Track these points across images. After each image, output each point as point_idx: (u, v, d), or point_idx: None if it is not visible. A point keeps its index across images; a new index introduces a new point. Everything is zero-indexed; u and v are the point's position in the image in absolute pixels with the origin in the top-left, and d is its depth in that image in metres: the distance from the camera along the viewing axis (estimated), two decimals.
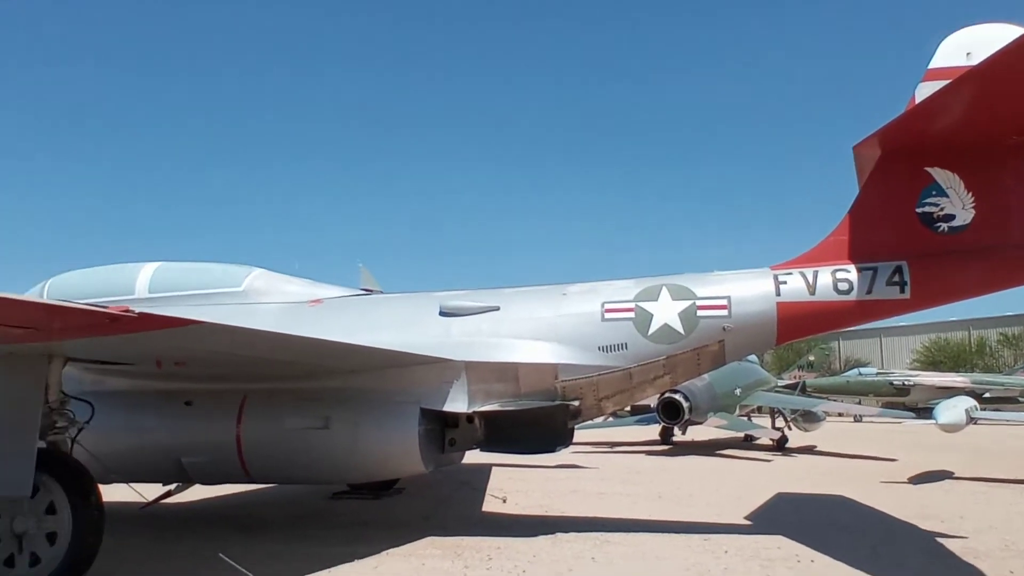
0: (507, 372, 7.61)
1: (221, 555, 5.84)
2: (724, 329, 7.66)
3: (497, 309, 7.94)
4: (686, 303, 7.74)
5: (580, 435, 16.69)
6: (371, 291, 9.52)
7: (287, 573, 6.37)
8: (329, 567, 6.61)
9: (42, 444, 5.90)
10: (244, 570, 5.69)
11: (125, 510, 9.06)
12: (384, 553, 7.16)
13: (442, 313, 7.97)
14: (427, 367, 7.45)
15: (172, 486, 8.64)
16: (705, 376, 14.77)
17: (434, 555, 7.07)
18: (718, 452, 17.79)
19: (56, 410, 6.06)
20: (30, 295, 7.49)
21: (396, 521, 9.00)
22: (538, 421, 7.65)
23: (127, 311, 4.22)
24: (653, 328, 7.70)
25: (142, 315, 4.28)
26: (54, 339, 4.98)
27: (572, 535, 7.88)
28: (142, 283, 8.75)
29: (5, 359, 5.80)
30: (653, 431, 19.97)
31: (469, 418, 7.78)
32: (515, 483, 11.95)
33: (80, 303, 4.27)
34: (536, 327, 7.82)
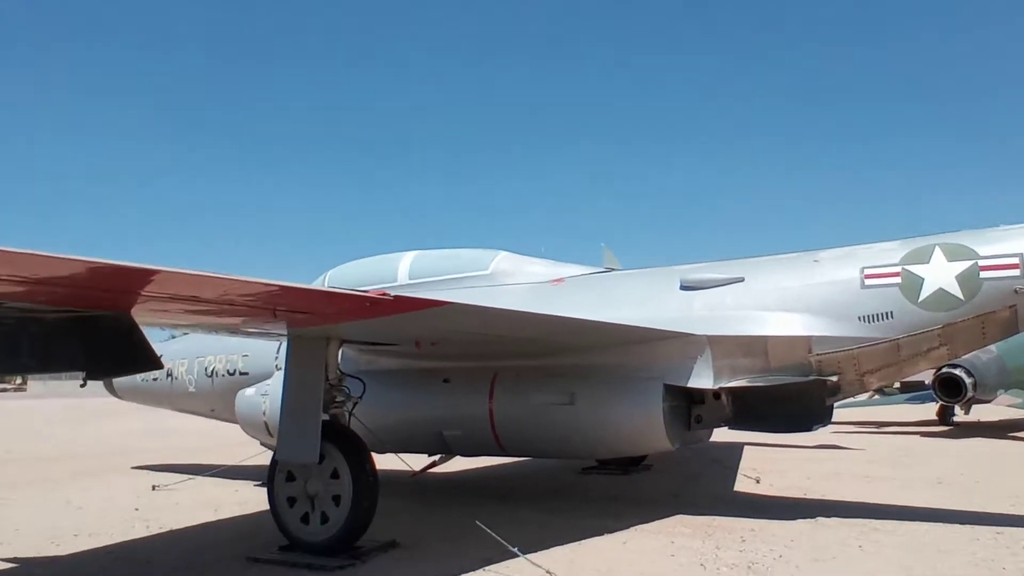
0: (754, 346, 7.23)
1: (478, 523, 6.21)
2: (1016, 292, 6.64)
3: (741, 280, 7.57)
4: (966, 264, 6.81)
5: (841, 414, 15.54)
6: (613, 270, 9.52)
7: (539, 542, 6.61)
8: (580, 539, 6.76)
9: (325, 417, 6.65)
10: (499, 537, 6.00)
11: (399, 478, 10.00)
12: (633, 529, 7.18)
13: (683, 287, 7.77)
14: (669, 342, 7.31)
15: (437, 457, 9.36)
16: (992, 348, 12.99)
17: (684, 533, 6.95)
18: (1012, 435, 15.58)
19: (335, 386, 6.82)
20: (311, 285, 8.46)
21: (645, 497, 8.99)
22: (791, 398, 7.19)
23: (384, 295, 4.61)
24: (925, 294, 6.88)
25: (397, 298, 4.65)
26: (328, 323, 5.59)
27: (834, 520, 7.33)
28: (403, 271, 9.53)
29: (295, 342, 6.63)
30: (929, 410, 18.00)
31: (716, 394, 7.53)
32: (770, 463, 11.39)
33: (349, 290, 4.73)
34: (785, 297, 7.34)
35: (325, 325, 5.76)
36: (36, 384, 68.98)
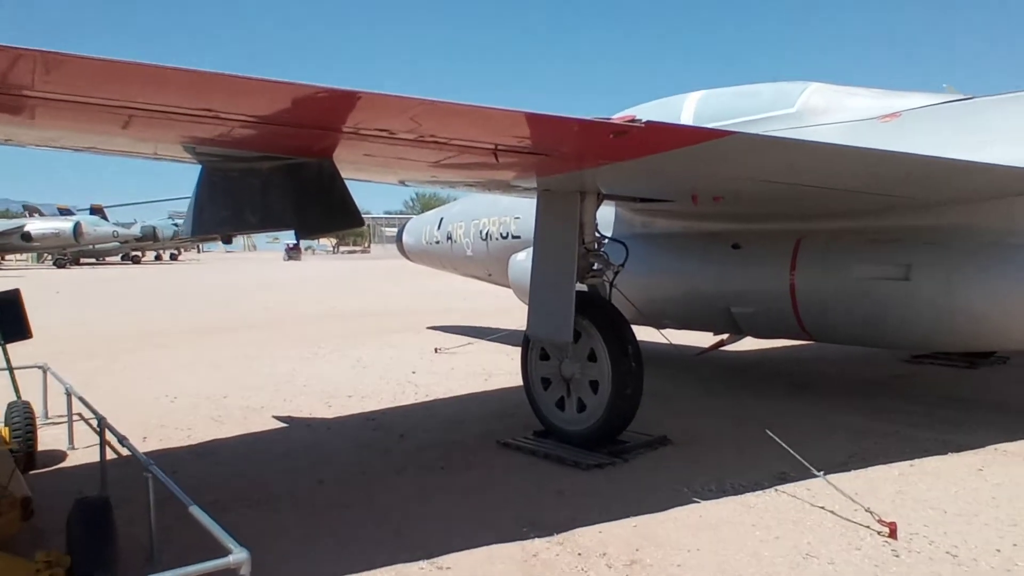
0: None
1: (768, 432, 4.83)
2: None
3: None
4: None
5: None
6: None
7: (852, 458, 5.09)
8: (909, 458, 5.08)
9: (582, 287, 5.61)
10: (797, 455, 4.58)
11: (682, 355, 8.84)
12: (992, 448, 5.30)
13: None
14: None
15: (725, 336, 7.99)
16: None
17: None
18: None
19: (592, 252, 5.67)
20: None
21: (1006, 404, 6.81)
22: None
23: (632, 121, 3.26)
24: None
25: (651, 126, 3.27)
26: (572, 167, 4.35)
27: None
28: (687, 114, 7.89)
29: (543, 198, 5.59)
30: None
31: None
32: None
33: (585, 118, 3.44)
34: None
35: (573, 172, 4.56)
36: (377, 247, 79.13)
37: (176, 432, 6.16)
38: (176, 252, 65.23)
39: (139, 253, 56.34)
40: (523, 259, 8.90)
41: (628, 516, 4.16)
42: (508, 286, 9.66)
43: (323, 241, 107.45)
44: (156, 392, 7.85)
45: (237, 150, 3.91)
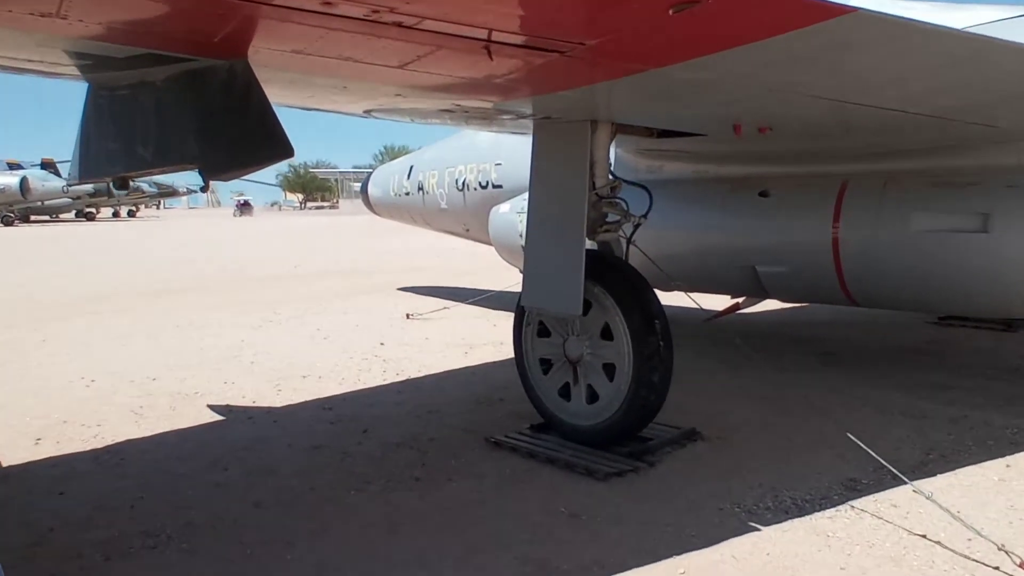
0: None
1: (849, 435, 3.75)
2: None
3: None
4: None
5: None
6: None
7: (923, 459, 4.06)
8: (998, 455, 4.05)
9: (591, 245, 4.45)
10: (884, 461, 3.53)
11: (695, 318, 7.74)
12: None
13: None
14: None
15: (741, 299, 6.92)
16: None
17: None
18: None
19: (605, 199, 4.48)
20: None
21: None
22: None
23: None
24: None
25: None
26: (595, 76, 3.13)
27: None
28: None
29: (542, 130, 4.40)
30: None
31: None
32: None
33: None
34: None
35: (588, 87, 3.35)
36: (345, 203, 77.46)
37: (82, 430, 4.93)
38: (134, 208, 62.72)
39: (93, 210, 53.94)
40: (506, 211, 7.76)
41: (670, 555, 3.08)
42: (488, 243, 8.49)
43: (290, 196, 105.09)
44: (73, 372, 6.60)
45: (110, 44, 2.64)
